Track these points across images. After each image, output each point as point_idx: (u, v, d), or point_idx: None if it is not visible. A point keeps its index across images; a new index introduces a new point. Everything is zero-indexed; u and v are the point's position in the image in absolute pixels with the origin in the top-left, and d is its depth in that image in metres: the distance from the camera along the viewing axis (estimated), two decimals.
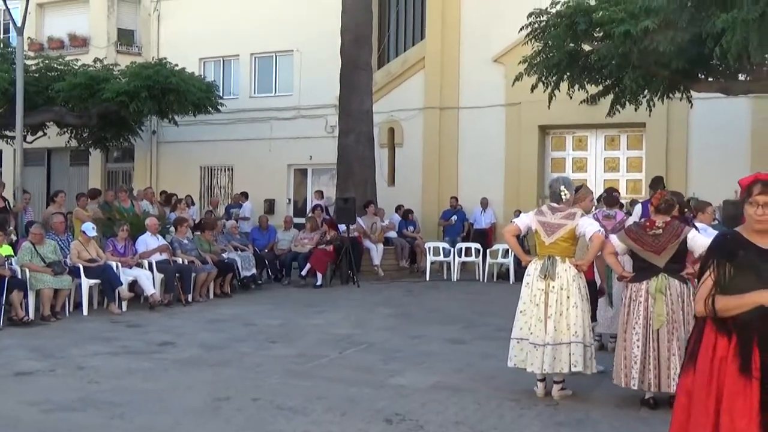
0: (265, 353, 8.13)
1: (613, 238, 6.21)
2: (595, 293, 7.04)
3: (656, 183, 9.95)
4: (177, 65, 17.75)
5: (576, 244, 6.36)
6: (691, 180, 15.81)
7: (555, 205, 6.35)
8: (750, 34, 8.62)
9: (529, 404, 6.09)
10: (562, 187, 6.37)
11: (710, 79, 11.76)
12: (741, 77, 11.71)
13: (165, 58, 18.19)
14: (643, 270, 5.96)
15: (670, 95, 12.44)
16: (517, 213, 16.70)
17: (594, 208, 8.09)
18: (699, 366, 3.25)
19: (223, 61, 22.15)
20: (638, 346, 5.84)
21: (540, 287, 6.20)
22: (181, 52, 20.01)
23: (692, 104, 12.83)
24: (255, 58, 21.75)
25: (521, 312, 6.32)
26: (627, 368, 5.90)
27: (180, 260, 12.10)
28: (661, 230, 5.93)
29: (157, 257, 11.85)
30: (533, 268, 6.32)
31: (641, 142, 17.52)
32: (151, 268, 11.63)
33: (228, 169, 21.90)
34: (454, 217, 17.66)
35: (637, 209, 9.63)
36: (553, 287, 6.15)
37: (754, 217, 3.28)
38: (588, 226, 6.20)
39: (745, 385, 3.08)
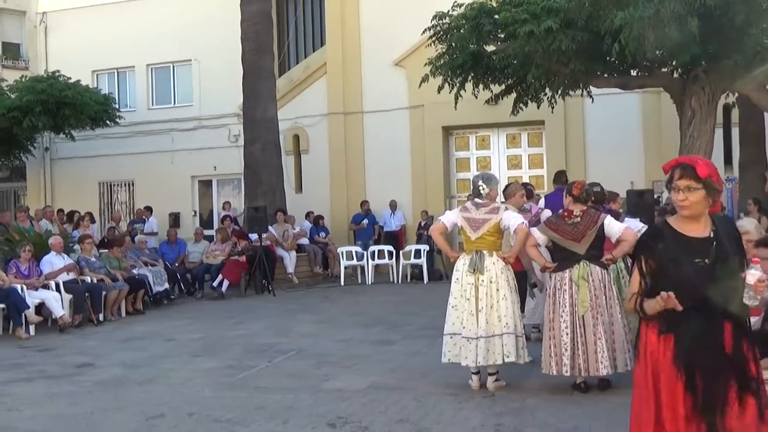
0: (192, 367, 7.92)
1: (535, 231, 6.39)
2: (523, 285, 7.20)
3: (559, 176, 10.29)
4: (70, 78, 17.08)
5: (502, 237, 6.51)
6: (590, 173, 16.38)
7: (478, 200, 6.48)
8: (646, 31, 9.05)
9: (467, 397, 6.19)
10: (480, 182, 6.52)
11: (606, 75, 12.26)
12: (633, 73, 12.26)
13: (58, 71, 17.46)
14: (565, 259, 6.17)
15: (571, 92, 12.90)
16: (425, 214, 17.08)
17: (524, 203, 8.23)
18: (639, 358, 3.31)
19: (118, 72, 21.48)
20: (567, 333, 6.03)
21: (470, 282, 6.31)
22: (71, 64, 19.26)
23: (593, 99, 13.35)
24: (151, 68, 21.19)
25: (453, 307, 6.41)
26: (557, 356, 6.07)
27: (88, 279, 11.65)
28: (579, 218, 6.15)
29: (64, 277, 11.35)
30: (462, 264, 6.43)
31: (541, 139, 18.08)
32: (58, 289, 11.13)
33: (129, 184, 21.24)
34: (365, 221, 17.73)
35: (541, 203, 9.94)
36: (483, 281, 6.27)
37: (677, 202, 3.22)
38: (512, 219, 6.36)
39: (678, 376, 3.12)
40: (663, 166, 3.37)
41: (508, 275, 6.34)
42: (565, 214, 6.26)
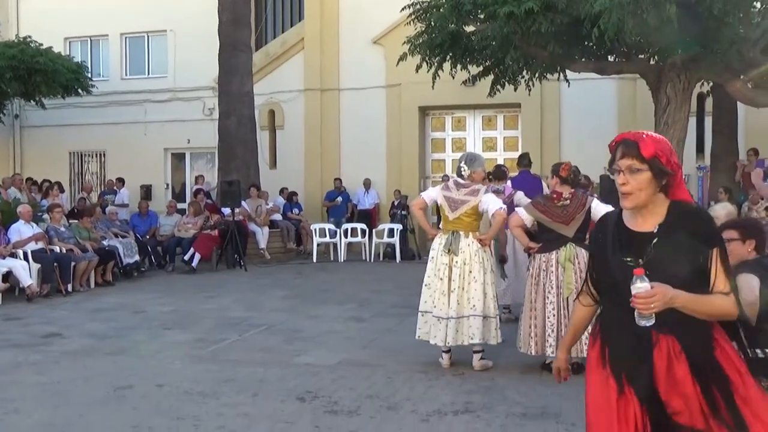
0: (162, 340, 7.88)
1: (521, 211, 6.39)
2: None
3: (523, 159, 10.29)
4: (42, 45, 16.75)
5: (480, 219, 6.49)
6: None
7: (460, 180, 6.46)
8: (625, 17, 9.07)
9: (437, 375, 6.22)
10: (462, 163, 6.49)
11: (584, 60, 12.28)
12: (611, 58, 12.30)
13: (29, 37, 17.09)
14: (551, 241, 6.17)
15: (548, 76, 12.91)
16: (398, 193, 17.06)
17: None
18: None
19: (91, 41, 21.12)
20: (554, 314, 6.05)
21: (444, 261, 6.32)
22: (44, 31, 18.82)
23: (569, 83, 13.39)
24: (125, 38, 20.86)
25: (426, 286, 6.42)
26: (538, 336, 6.10)
27: (57, 249, 11.50)
28: (568, 201, 6.15)
29: (32, 246, 11.19)
30: (438, 243, 6.43)
31: (517, 121, 18.13)
32: (26, 258, 10.98)
33: (100, 155, 20.95)
34: (339, 198, 17.69)
35: (508, 184, 9.95)
36: (457, 262, 6.27)
37: (618, 188, 2.65)
38: (491, 203, 6.32)
39: (606, 376, 2.70)
40: (609, 145, 2.77)
41: (482, 257, 6.34)
42: (554, 196, 6.25)
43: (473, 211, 6.32)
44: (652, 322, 2.47)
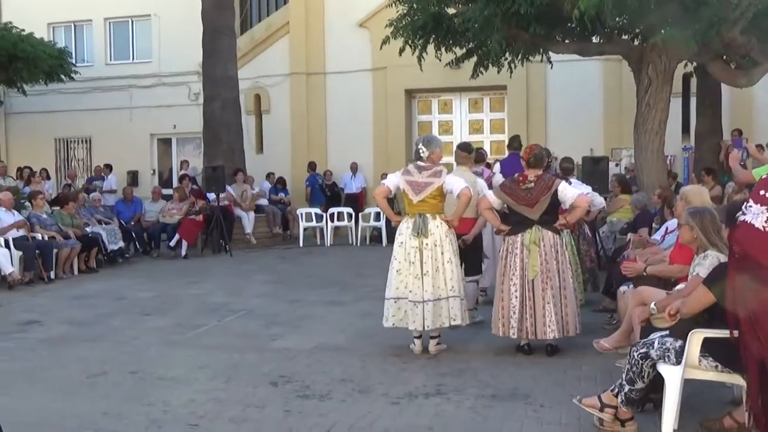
0: (140, 326, 7.87)
1: (489, 194, 6.38)
2: (473, 247, 7.18)
3: (513, 141, 10.33)
4: (24, 31, 16.61)
5: (444, 200, 6.45)
6: (551, 139, 16.49)
7: (421, 163, 6.40)
8: None
9: (412, 358, 6.23)
10: (420, 146, 6.43)
11: (567, 42, 12.24)
12: (594, 40, 12.26)
13: (11, 23, 16.94)
14: (518, 223, 6.16)
15: (530, 57, 12.87)
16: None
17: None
18: None
19: (75, 26, 20.98)
20: (516, 297, 6.07)
21: (414, 245, 6.26)
22: (26, 16, 18.71)
23: (552, 65, 13.34)
24: (109, 23, 20.72)
25: (397, 272, 6.34)
26: (505, 318, 6.12)
27: (39, 236, 11.46)
28: (533, 184, 6.14)
29: (14, 233, 11.14)
30: (405, 227, 6.36)
31: (503, 104, 18.10)
32: (8, 245, 10.93)
33: (86, 141, 20.86)
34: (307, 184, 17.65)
35: (497, 167, 9.98)
36: (427, 244, 6.22)
37: None
38: (455, 183, 6.27)
39: None
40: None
41: (451, 238, 6.33)
42: (520, 178, 6.24)
43: (438, 193, 6.27)
44: None
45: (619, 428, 4.29)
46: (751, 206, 3.64)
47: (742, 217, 3.69)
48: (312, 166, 17.96)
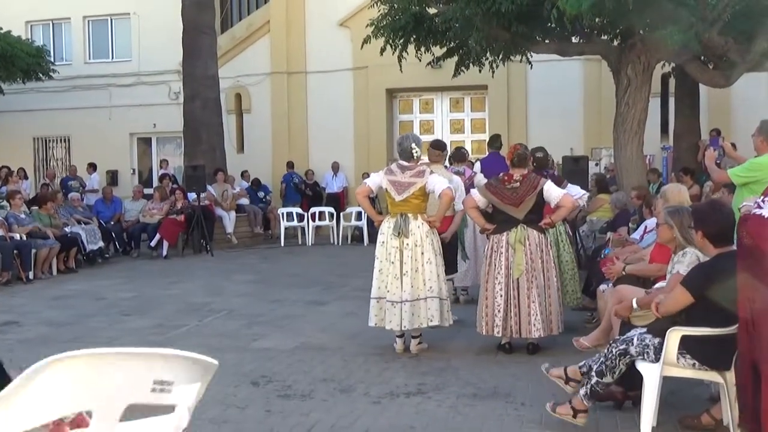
0: (120, 326, 7.83)
1: (474, 193, 6.39)
2: (449, 246, 7.19)
3: (494, 141, 10.37)
4: (2, 29, 16.45)
5: (427, 200, 6.45)
6: (532, 139, 16.48)
7: (404, 163, 6.36)
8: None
9: (393, 357, 6.24)
10: (413, 145, 6.36)
11: (547, 42, 12.30)
12: (574, 40, 12.33)
13: None
14: (503, 222, 6.18)
15: (511, 57, 12.92)
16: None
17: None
18: None
19: (53, 24, 20.81)
20: (501, 295, 6.08)
21: (394, 245, 6.25)
22: (4, 14, 18.54)
23: (532, 65, 13.41)
24: (88, 21, 20.56)
25: (379, 271, 6.34)
26: (489, 316, 6.14)
27: (17, 236, 11.36)
28: (518, 183, 6.16)
29: None
30: (386, 227, 6.35)
31: (484, 103, 18.17)
32: None
33: (64, 140, 20.69)
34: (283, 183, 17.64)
35: (477, 167, 10.00)
36: (408, 244, 6.21)
37: None
38: (437, 183, 6.24)
39: None
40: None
41: (432, 239, 6.31)
42: (506, 178, 6.24)
43: (421, 193, 6.26)
44: None
45: (570, 419, 4.32)
46: (766, 201, 3.70)
47: (758, 211, 3.71)
48: (290, 164, 17.93)
